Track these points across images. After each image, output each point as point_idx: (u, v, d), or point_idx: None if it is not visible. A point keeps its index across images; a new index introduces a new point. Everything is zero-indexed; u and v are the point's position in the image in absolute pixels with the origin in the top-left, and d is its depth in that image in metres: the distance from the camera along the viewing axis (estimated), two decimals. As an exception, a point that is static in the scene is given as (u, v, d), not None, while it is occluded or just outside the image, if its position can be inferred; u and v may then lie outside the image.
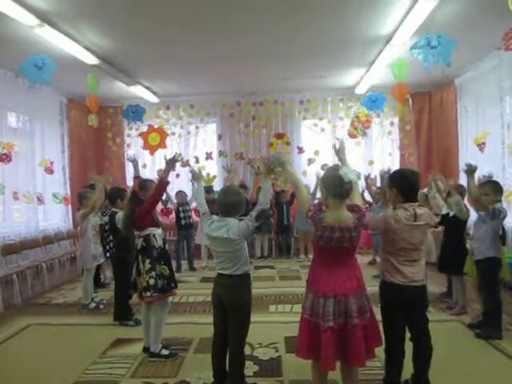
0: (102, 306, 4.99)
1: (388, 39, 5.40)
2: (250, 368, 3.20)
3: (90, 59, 5.65)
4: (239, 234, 2.72)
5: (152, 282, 3.39)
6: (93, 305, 4.97)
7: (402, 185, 2.70)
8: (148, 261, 3.43)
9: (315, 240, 2.41)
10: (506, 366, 3.24)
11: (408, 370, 2.76)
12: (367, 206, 6.38)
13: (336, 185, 2.35)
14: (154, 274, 3.41)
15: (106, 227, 5.30)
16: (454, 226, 4.33)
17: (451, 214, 4.32)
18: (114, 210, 4.43)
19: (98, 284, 5.71)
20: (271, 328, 4.06)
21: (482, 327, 3.79)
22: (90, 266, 5.04)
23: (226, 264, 2.78)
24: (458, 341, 3.71)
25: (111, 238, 5.10)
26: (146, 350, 3.59)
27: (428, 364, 2.72)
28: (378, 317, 2.63)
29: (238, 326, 2.79)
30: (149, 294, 3.39)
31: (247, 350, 3.33)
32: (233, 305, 2.76)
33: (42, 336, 4.19)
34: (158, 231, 3.59)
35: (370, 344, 2.40)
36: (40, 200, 6.99)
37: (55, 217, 7.62)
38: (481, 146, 6.37)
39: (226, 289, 2.77)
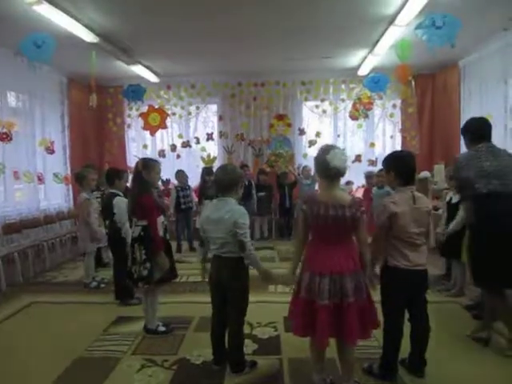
0: (103, 285, 5.04)
1: (392, 19, 5.31)
2: (249, 346, 3.26)
3: (90, 37, 5.57)
4: (237, 225, 2.70)
5: (145, 273, 3.33)
6: (94, 284, 5.03)
7: (399, 167, 2.70)
8: (144, 251, 3.35)
9: (312, 220, 2.42)
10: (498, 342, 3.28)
11: (405, 349, 2.79)
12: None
13: (323, 168, 2.40)
14: (148, 265, 3.33)
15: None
16: (456, 212, 4.33)
17: (454, 200, 4.32)
18: (111, 191, 4.39)
19: (100, 263, 5.76)
20: (270, 308, 4.13)
21: (479, 308, 3.83)
22: (91, 250, 5.07)
23: (224, 247, 2.78)
24: (455, 322, 3.75)
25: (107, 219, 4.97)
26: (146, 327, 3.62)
27: (425, 344, 2.76)
28: (377, 297, 2.66)
29: (237, 306, 2.83)
30: (141, 284, 3.39)
31: (246, 329, 3.38)
32: (233, 285, 2.79)
33: (45, 314, 4.24)
34: (160, 220, 3.45)
35: (365, 324, 2.43)
36: (40, 180, 6.99)
37: (56, 196, 7.63)
38: (483, 129, 6.33)
39: (225, 269, 2.80)
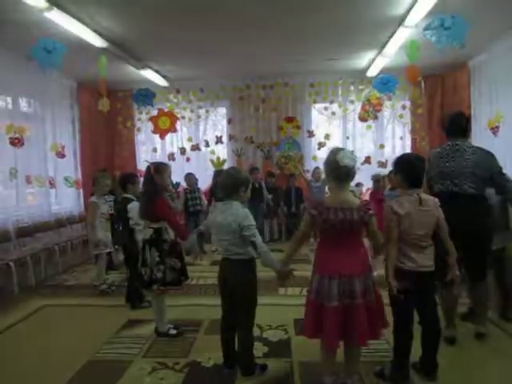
0: (113, 288, 5.07)
1: (401, 20, 5.30)
2: (259, 349, 3.25)
3: (100, 42, 5.63)
4: (242, 226, 2.70)
5: (160, 275, 3.37)
6: (104, 286, 5.06)
7: (407, 170, 2.70)
8: (157, 254, 3.39)
9: (321, 224, 2.43)
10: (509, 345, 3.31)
11: (416, 352, 2.77)
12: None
13: (333, 169, 2.42)
14: (162, 267, 3.37)
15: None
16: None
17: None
18: (125, 196, 4.40)
19: (110, 267, 5.79)
20: (280, 310, 4.11)
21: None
22: (97, 252, 5.10)
23: (230, 249, 2.79)
24: (467, 323, 3.71)
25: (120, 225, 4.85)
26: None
27: (436, 346, 2.74)
28: (386, 300, 2.65)
29: (245, 308, 2.82)
30: (155, 287, 3.40)
31: (256, 332, 3.38)
32: (240, 287, 2.79)
33: (57, 317, 4.28)
34: None
35: (374, 325, 2.43)
36: (52, 184, 7.05)
37: (67, 200, 7.70)
38: (494, 129, 6.28)
39: (232, 272, 2.81)
